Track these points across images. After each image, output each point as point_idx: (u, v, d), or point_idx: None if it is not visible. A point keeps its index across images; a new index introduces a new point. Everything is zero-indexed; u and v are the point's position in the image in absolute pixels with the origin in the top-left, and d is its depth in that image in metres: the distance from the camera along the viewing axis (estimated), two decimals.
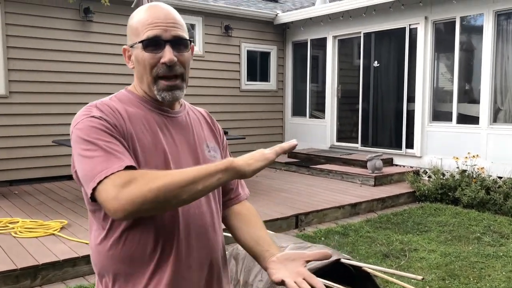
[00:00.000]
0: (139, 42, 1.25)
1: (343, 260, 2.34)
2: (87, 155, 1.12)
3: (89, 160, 1.11)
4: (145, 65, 1.25)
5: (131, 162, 1.11)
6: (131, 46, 1.29)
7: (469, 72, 7.09)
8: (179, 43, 1.26)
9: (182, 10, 8.07)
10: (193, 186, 1.06)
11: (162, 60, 1.23)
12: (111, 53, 7.34)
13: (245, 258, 2.63)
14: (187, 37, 1.30)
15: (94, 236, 1.25)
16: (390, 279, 2.33)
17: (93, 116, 1.18)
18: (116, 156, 1.11)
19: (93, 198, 1.10)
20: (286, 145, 1.17)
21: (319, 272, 2.26)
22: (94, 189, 1.08)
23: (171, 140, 1.29)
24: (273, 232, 3.20)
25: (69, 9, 6.97)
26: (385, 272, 2.26)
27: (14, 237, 4.25)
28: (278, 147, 1.16)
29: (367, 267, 2.30)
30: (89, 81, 7.17)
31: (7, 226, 4.55)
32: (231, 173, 1.10)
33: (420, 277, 1.99)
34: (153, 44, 1.24)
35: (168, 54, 1.23)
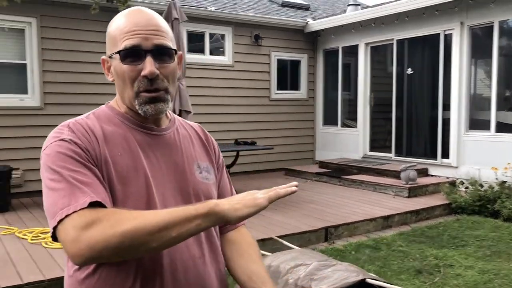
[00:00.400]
0: (116, 53, 1.13)
1: (368, 280, 2.23)
2: (51, 186, 1.01)
3: (52, 192, 1.00)
4: (124, 78, 1.13)
5: (99, 197, 0.99)
6: (110, 57, 1.17)
7: (508, 78, 6.79)
8: (162, 53, 1.13)
9: (211, 21, 8.13)
10: (165, 233, 0.93)
11: (142, 73, 1.11)
12: None
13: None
14: (172, 46, 1.16)
15: (67, 267, 1.14)
16: None
17: (62, 140, 1.06)
18: (82, 190, 0.98)
19: (54, 237, 1.00)
20: (282, 191, 1.04)
21: None
22: (55, 228, 0.98)
23: (155, 162, 1.16)
24: (298, 247, 3.10)
25: (101, 22, 7.10)
26: None
27: (45, 247, 4.31)
28: (273, 192, 1.04)
29: None
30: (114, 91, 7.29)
31: (39, 236, 4.62)
32: (213, 219, 0.97)
33: None
34: (132, 54, 1.11)
35: (148, 66, 1.10)
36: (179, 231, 0.94)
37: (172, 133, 1.24)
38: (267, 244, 4.47)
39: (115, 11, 6.27)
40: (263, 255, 3.12)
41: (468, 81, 7.10)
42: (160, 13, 6.72)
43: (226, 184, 1.40)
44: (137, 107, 1.14)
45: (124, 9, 4.84)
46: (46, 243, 4.40)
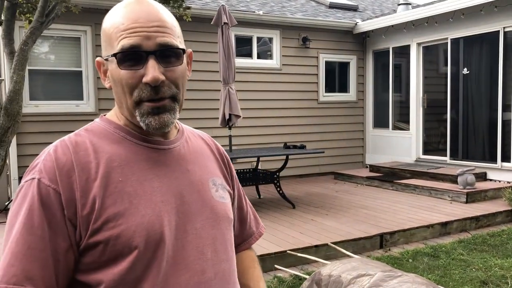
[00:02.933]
0: (112, 55, 0.93)
1: None
2: (6, 238, 0.88)
3: (5, 239, 0.88)
4: (122, 85, 0.93)
5: (17, 284, 0.82)
6: (106, 59, 0.97)
7: None
8: (168, 54, 0.94)
9: (259, 25, 8.11)
10: None
11: (144, 80, 0.91)
12: (193, 70, 7.50)
13: (329, 284, 2.47)
14: (180, 45, 0.96)
15: None
16: None
17: (32, 179, 0.89)
18: (12, 264, 0.83)
19: None
20: None
21: None
22: None
23: (165, 184, 0.97)
24: (359, 257, 2.99)
25: None
26: None
27: None
28: None
29: None
30: None
31: None
32: None
33: None
34: (130, 57, 0.92)
35: (151, 71, 0.91)
36: None
37: (182, 146, 1.05)
38: (321, 251, 4.37)
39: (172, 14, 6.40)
40: (319, 262, 3.04)
41: None
42: (210, 19, 6.80)
43: (242, 201, 1.22)
44: (138, 118, 0.95)
45: (182, 13, 4.83)
46: None
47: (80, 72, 6.92)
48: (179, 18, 6.10)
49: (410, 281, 2.24)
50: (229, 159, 1.19)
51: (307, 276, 2.69)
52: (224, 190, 1.09)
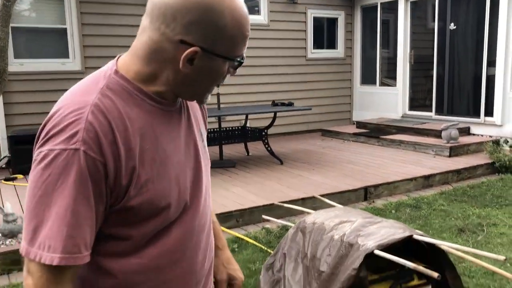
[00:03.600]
0: (232, 60, 0.97)
1: (415, 237, 2.24)
2: (43, 202, 0.87)
3: (42, 212, 0.87)
4: (212, 81, 1.00)
5: (76, 247, 0.88)
6: (213, 53, 0.94)
7: None
8: None
9: None
10: None
11: (221, 82, 1.02)
12: None
13: (313, 231, 2.60)
14: None
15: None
16: (466, 257, 2.20)
17: (75, 150, 0.87)
18: (66, 232, 0.87)
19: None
20: None
21: (391, 248, 2.18)
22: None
23: (179, 143, 1.04)
24: (341, 205, 3.13)
25: None
26: (461, 251, 2.13)
27: None
28: None
29: (442, 244, 2.18)
30: None
31: None
32: None
33: (502, 257, 1.84)
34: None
35: (227, 77, 1.02)
36: None
37: (180, 102, 1.07)
38: (307, 203, 4.53)
39: None
40: (305, 212, 3.17)
41: None
42: None
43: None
44: (189, 99, 1.05)
45: None
46: None
47: (65, 29, 6.80)
48: None
49: (388, 226, 2.37)
50: (205, 106, 1.23)
51: (293, 225, 2.83)
52: (204, 136, 1.17)
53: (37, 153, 0.89)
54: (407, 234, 2.24)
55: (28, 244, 0.88)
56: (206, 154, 1.14)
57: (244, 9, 0.95)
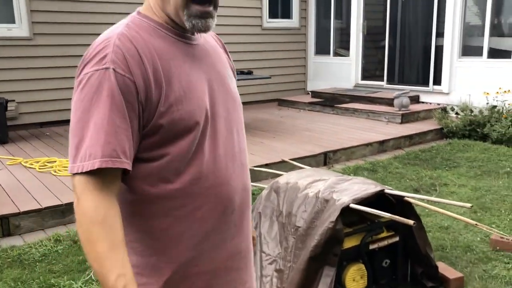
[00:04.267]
0: None
1: (387, 191, 2.39)
2: (82, 119, 0.98)
3: (81, 127, 0.97)
4: None
5: (115, 152, 0.96)
6: None
7: (501, 4, 6.79)
8: None
9: None
10: (96, 269, 0.96)
11: None
12: None
13: (287, 190, 2.70)
14: None
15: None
16: (432, 207, 2.38)
17: (106, 69, 0.97)
18: (104, 140, 0.95)
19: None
20: None
21: (364, 202, 2.31)
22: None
23: (203, 74, 1.13)
24: (310, 167, 3.24)
25: None
26: (428, 201, 2.29)
27: (54, 175, 4.40)
28: None
29: (411, 196, 2.34)
30: (114, 21, 7.06)
31: (46, 165, 4.70)
32: None
33: (469, 205, 2.02)
34: None
35: None
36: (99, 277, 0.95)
37: (203, 41, 1.19)
38: (272, 168, 4.63)
39: None
40: (276, 175, 3.26)
41: (463, 7, 7.09)
42: None
43: None
44: (184, 18, 1.07)
45: None
46: (55, 171, 4.48)
47: None
48: None
49: (360, 182, 2.51)
50: (227, 50, 1.35)
51: (265, 186, 2.91)
52: (233, 80, 1.28)
53: (75, 81, 1.02)
54: (379, 188, 2.38)
55: (72, 162, 0.98)
56: (236, 94, 1.24)
57: None
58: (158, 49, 1.05)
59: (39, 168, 4.60)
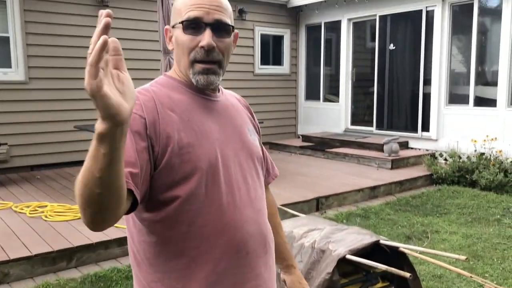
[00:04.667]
0: (179, 23, 1.21)
1: (382, 242, 2.41)
2: None
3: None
4: (183, 47, 1.21)
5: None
6: (173, 27, 1.25)
7: (486, 55, 7.06)
8: (220, 28, 1.21)
9: None
10: (90, 176, 0.88)
11: (201, 44, 1.18)
12: (128, 38, 7.36)
13: None
14: (230, 23, 1.24)
15: (131, 231, 1.25)
16: (426, 258, 2.40)
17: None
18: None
19: None
20: (97, 30, 0.83)
21: (360, 253, 2.33)
22: None
23: (220, 125, 1.26)
24: (304, 215, 3.26)
25: None
26: (423, 253, 2.31)
27: (45, 220, 4.36)
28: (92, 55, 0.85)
29: (406, 247, 2.36)
30: None
31: (37, 210, 4.65)
32: (96, 135, 0.86)
33: (463, 257, 2.04)
34: (193, 26, 1.19)
35: (207, 37, 1.18)
36: (95, 167, 0.88)
37: (224, 99, 1.34)
38: None
39: None
40: None
41: (449, 56, 7.35)
42: None
43: (262, 147, 1.48)
44: (191, 76, 1.22)
45: None
46: (46, 217, 4.44)
47: (7, 38, 6.53)
48: None
49: (355, 232, 2.53)
50: (253, 112, 1.48)
51: None
52: (255, 135, 1.39)
53: None
54: (374, 239, 2.41)
55: None
56: (253, 145, 1.33)
57: None
58: (177, 100, 1.21)
59: (30, 213, 4.55)
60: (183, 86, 1.26)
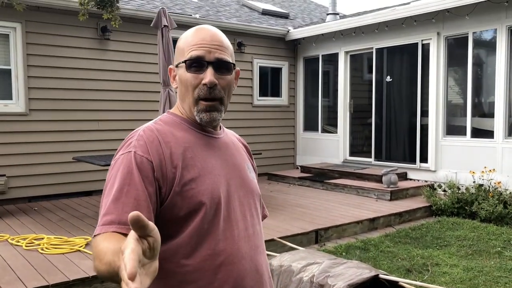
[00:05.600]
0: (182, 62, 1.27)
1: (381, 276, 2.38)
2: (107, 195, 1.15)
3: (105, 198, 1.15)
4: (187, 85, 1.26)
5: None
6: (176, 66, 1.31)
7: (482, 86, 7.15)
8: (222, 66, 1.27)
9: None
10: (114, 273, 0.93)
11: (203, 81, 1.24)
12: (128, 71, 7.46)
13: (280, 274, 2.67)
14: (231, 61, 1.30)
15: None
16: None
17: (129, 152, 1.18)
18: (121, 210, 1.09)
19: None
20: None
21: (359, 287, 2.30)
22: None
23: (220, 162, 1.30)
24: (305, 249, 3.23)
25: (87, 28, 7.11)
26: (423, 287, 2.29)
27: (41, 253, 4.30)
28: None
29: (406, 282, 2.34)
30: (106, 98, 7.27)
31: (33, 243, 4.61)
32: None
33: None
34: (195, 64, 1.25)
35: (209, 75, 1.24)
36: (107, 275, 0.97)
37: (225, 137, 1.39)
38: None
39: (102, 18, 6.17)
40: (269, 255, 3.24)
41: (445, 88, 7.44)
42: (145, 20, 6.86)
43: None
44: (195, 113, 1.27)
45: (109, 17, 5.02)
46: (42, 249, 4.39)
47: (9, 70, 6.61)
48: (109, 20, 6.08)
49: (355, 266, 2.50)
50: (251, 152, 1.54)
51: None
52: (253, 173, 1.44)
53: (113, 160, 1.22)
54: (373, 273, 2.38)
55: (96, 228, 1.11)
56: (252, 183, 1.37)
57: (200, 29, 1.30)
58: (180, 138, 1.25)
59: (26, 246, 4.50)
60: (185, 123, 1.30)
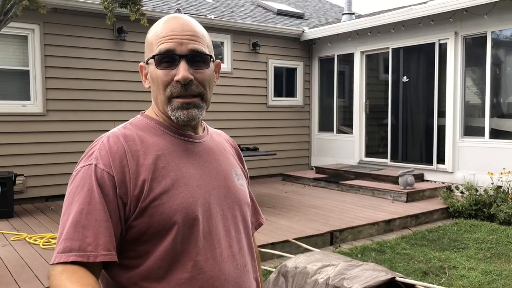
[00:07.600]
0: (151, 57, 1.11)
1: (398, 278, 2.35)
2: (65, 213, 1.04)
3: (64, 218, 1.03)
4: (158, 83, 1.11)
5: (88, 247, 0.98)
6: (146, 62, 1.15)
7: (501, 86, 7.03)
8: (197, 59, 1.10)
9: (211, 29, 8.23)
10: None
11: (176, 78, 1.08)
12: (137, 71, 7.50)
13: (295, 275, 2.66)
14: (208, 52, 1.13)
15: None
16: None
17: (90, 164, 1.05)
18: (81, 235, 0.98)
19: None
20: None
21: None
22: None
23: (201, 170, 1.14)
24: (320, 250, 3.21)
25: (103, 29, 7.17)
26: None
27: None
28: None
29: (423, 285, 2.30)
30: (122, 98, 7.33)
31: (50, 242, 4.66)
32: None
33: None
34: (166, 59, 1.09)
35: (182, 71, 1.08)
36: None
37: (209, 140, 1.23)
38: (276, 248, 4.57)
39: (126, 20, 6.21)
40: (283, 256, 3.22)
41: (463, 89, 7.33)
42: None
43: (250, 191, 1.37)
44: (169, 112, 1.12)
45: (136, 18, 5.01)
46: None
47: (27, 71, 6.71)
48: (136, 21, 6.12)
49: (371, 268, 2.47)
50: (242, 155, 1.38)
51: (273, 269, 2.87)
52: (243, 179, 1.28)
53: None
54: (389, 276, 2.35)
55: (54, 254, 1.01)
56: (239, 192, 1.22)
57: (170, 19, 1.14)
58: (151, 144, 1.10)
59: (43, 245, 4.55)
60: (160, 127, 1.15)
